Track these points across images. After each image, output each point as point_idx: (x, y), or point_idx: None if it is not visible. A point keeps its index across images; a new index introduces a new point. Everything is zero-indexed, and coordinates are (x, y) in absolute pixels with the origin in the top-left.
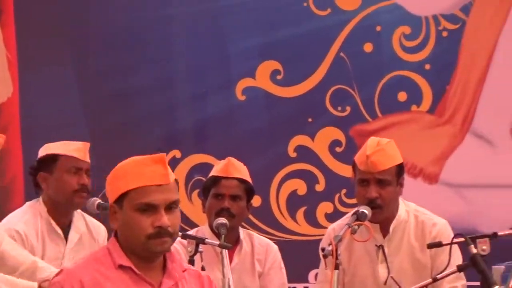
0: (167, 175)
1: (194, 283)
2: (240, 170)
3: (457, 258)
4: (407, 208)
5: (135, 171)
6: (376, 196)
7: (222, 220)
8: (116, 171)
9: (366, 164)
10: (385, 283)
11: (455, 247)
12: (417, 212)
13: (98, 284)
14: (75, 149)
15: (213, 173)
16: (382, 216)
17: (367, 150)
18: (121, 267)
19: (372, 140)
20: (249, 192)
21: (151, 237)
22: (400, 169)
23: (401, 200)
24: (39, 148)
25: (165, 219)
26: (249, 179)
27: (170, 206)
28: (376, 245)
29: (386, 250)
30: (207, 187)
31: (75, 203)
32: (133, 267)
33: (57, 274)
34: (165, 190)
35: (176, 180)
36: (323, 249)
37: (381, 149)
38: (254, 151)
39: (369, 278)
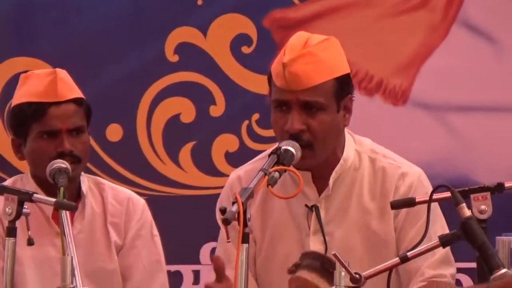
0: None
1: None
2: (72, 85)
3: (440, 227)
4: (359, 148)
5: None
6: (302, 128)
7: (61, 163)
8: None
9: (283, 78)
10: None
11: (436, 209)
12: (375, 154)
13: None
14: None
15: (30, 97)
16: (314, 160)
17: (286, 55)
18: None
19: (297, 38)
20: (90, 114)
21: None
22: (343, 86)
23: (348, 134)
24: None
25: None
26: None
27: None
28: (307, 205)
29: (322, 213)
30: (24, 121)
31: None
32: None
33: None
34: None
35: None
36: (223, 210)
37: (308, 53)
38: (107, 52)
39: (294, 257)
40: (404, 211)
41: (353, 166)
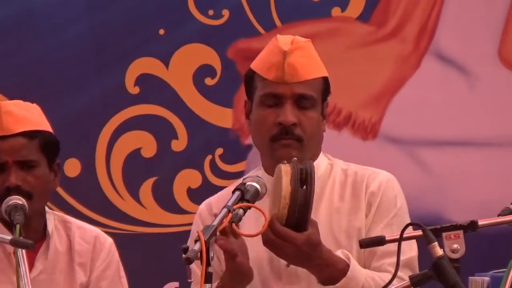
0: None
1: None
2: (22, 118)
3: (410, 253)
4: (331, 161)
5: None
6: (295, 121)
7: (17, 200)
8: None
9: (281, 69)
10: (288, 265)
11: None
12: (348, 165)
13: None
14: None
15: None
16: (300, 154)
17: (283, 45)
18: None
19: (282, 37)
20: (50, 147)
21: None
22: (327, 88)
23: (322, 153)
24: None
25: None
26: (46, 126)
27: None
28: None
29: None
30: None
31: None
32: None
33: None
34: None
35: None
36: (184, 250)
37: (301, 47)
38: (64, 83)
39: (263, 262)
40: (373, 211)
41: (324, 174)
